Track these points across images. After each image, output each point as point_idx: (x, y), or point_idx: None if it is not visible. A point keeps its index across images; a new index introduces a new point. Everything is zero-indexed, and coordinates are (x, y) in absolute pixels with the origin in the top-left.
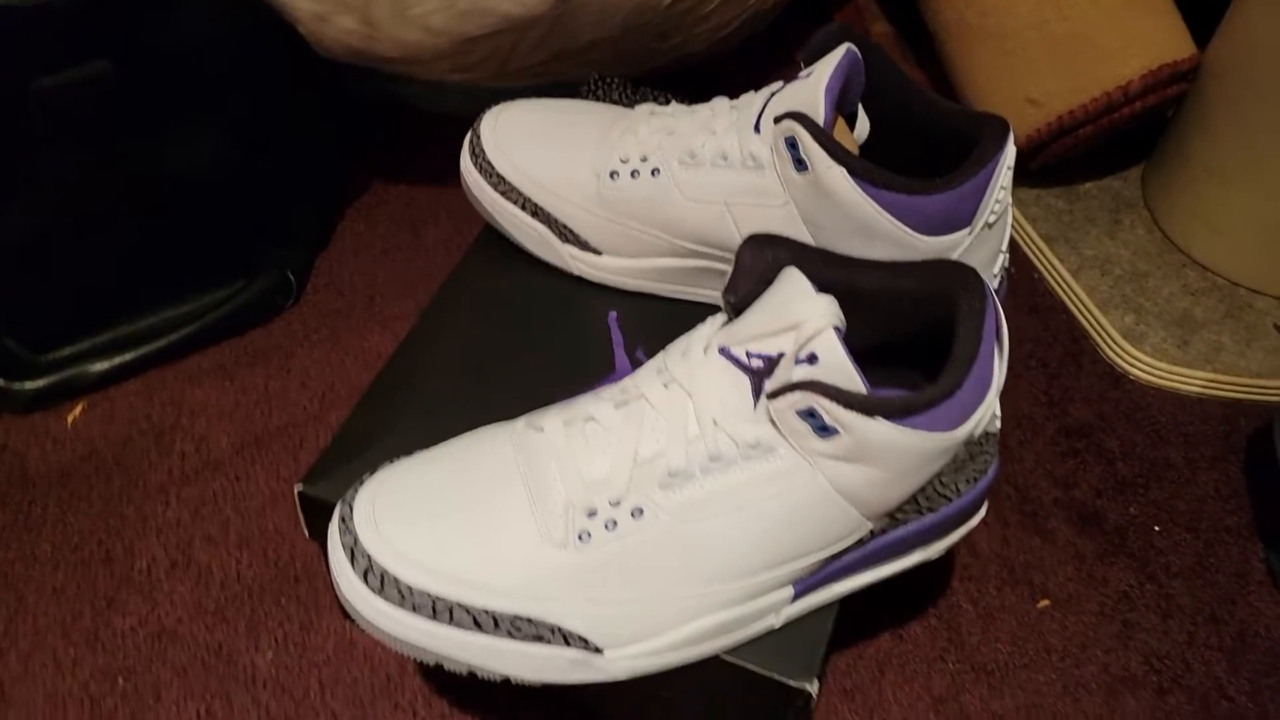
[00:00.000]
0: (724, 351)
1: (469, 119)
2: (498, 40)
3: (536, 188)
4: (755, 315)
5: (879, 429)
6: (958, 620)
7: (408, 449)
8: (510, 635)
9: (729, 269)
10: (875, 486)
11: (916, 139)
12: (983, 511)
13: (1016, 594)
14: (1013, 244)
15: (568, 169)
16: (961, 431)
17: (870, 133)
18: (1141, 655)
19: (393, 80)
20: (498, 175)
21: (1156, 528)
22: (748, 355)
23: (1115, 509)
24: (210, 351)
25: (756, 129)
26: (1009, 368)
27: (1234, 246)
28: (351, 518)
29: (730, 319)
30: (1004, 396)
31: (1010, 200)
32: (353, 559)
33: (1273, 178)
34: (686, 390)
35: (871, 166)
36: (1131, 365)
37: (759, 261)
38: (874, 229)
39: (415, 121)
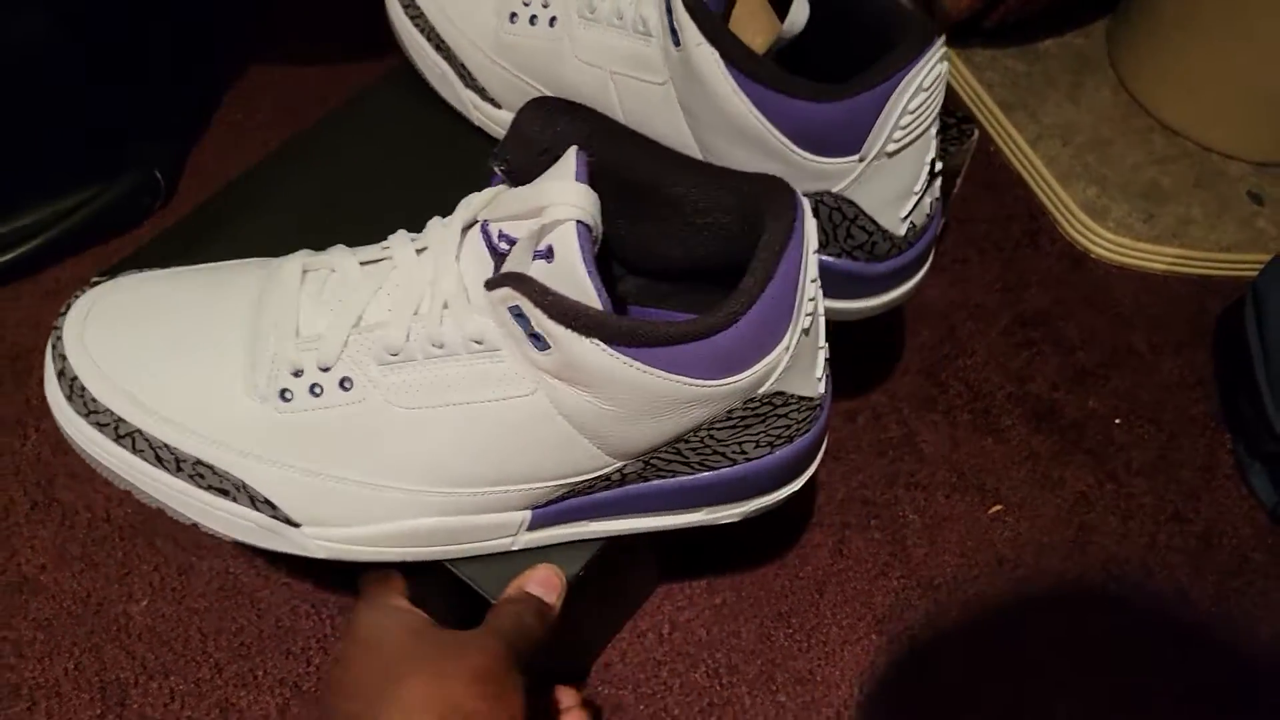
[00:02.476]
0: (483, 228)
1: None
2: None
3: (443, 18)
4: (519, 192)
5: (592, 353)
6: (902, 532)
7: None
8: (193, 480)
9: None
10: (604, 420)
11: (856, 40)
12: (797, 484)
13: (966, 501)
14: (967, 115)
15: (474, 4)
16: (723, 385)
17: (810, 25)
18: (1100, 562)
19: None
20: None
21: (1117, 421)
22: (499, 236)
23: (1073, 403)
24: (70, 264)
25: None
26: (960, 252)
27: (1206, 107)
28: (66, 314)
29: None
30: (955, 284)
31: (934, 132)
32: (53, 356)
33: (1251, 29)
34: (434, 262)
35: (751, 53)
36: (1093, 243)
37: (543, 130)
38: (748, 133)
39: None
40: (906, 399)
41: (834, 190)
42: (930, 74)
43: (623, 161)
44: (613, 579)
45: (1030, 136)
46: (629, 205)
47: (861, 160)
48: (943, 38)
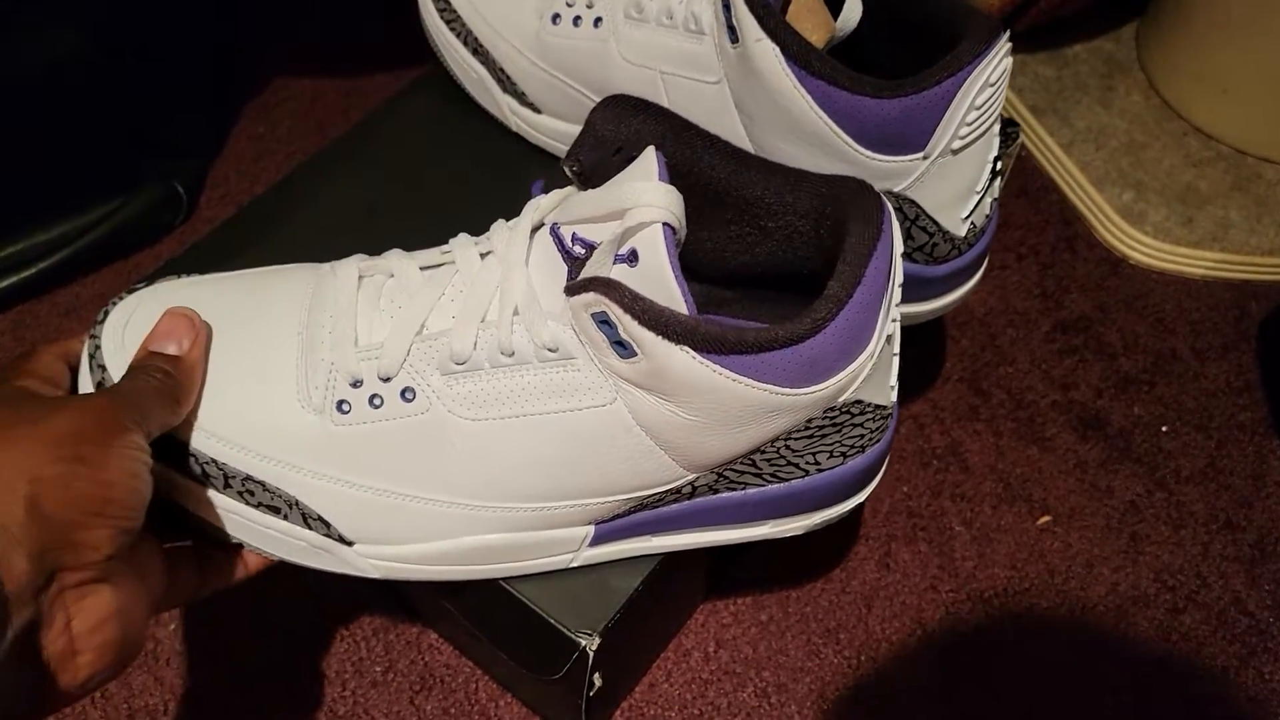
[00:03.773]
0: (554, 231)
1: (378, 5)
2: None
3: (480, 20)
4: (596, 194)
5: (681, 360)
6: (949, 545)
7: None
8: (242, 498)
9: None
10: (685, 430)
11: (912, 38)
12: (862, 495)
13: (1014, 512)
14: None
15: (513, 5)
16: (809, 394)
17: (863, 23)
18: (1152, 571)
19: None
20: (446, 2)
21: (1164, 428)
22: (573, 239)
23: (1118, 410)
24: (90, 280)
25: None
26: (998, 259)
27: (1241, 109)
28: (104, 321)
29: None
30: (995, 291)
31: (998, 129)
32: (91, 365)
33: None
34: (502, 266)
35: (812, 48)
36: (1131, 248)
37: (618, 128)
38: (808, 130)
39: (317, 9)
40: (949, 408)
41: (895, 190)
42: (996, 69)
43: (695, 162)
44: (665, 595)
45: (1063, 141)
46: (699, 207)
47: (925, 158)
48: (1008, 32)
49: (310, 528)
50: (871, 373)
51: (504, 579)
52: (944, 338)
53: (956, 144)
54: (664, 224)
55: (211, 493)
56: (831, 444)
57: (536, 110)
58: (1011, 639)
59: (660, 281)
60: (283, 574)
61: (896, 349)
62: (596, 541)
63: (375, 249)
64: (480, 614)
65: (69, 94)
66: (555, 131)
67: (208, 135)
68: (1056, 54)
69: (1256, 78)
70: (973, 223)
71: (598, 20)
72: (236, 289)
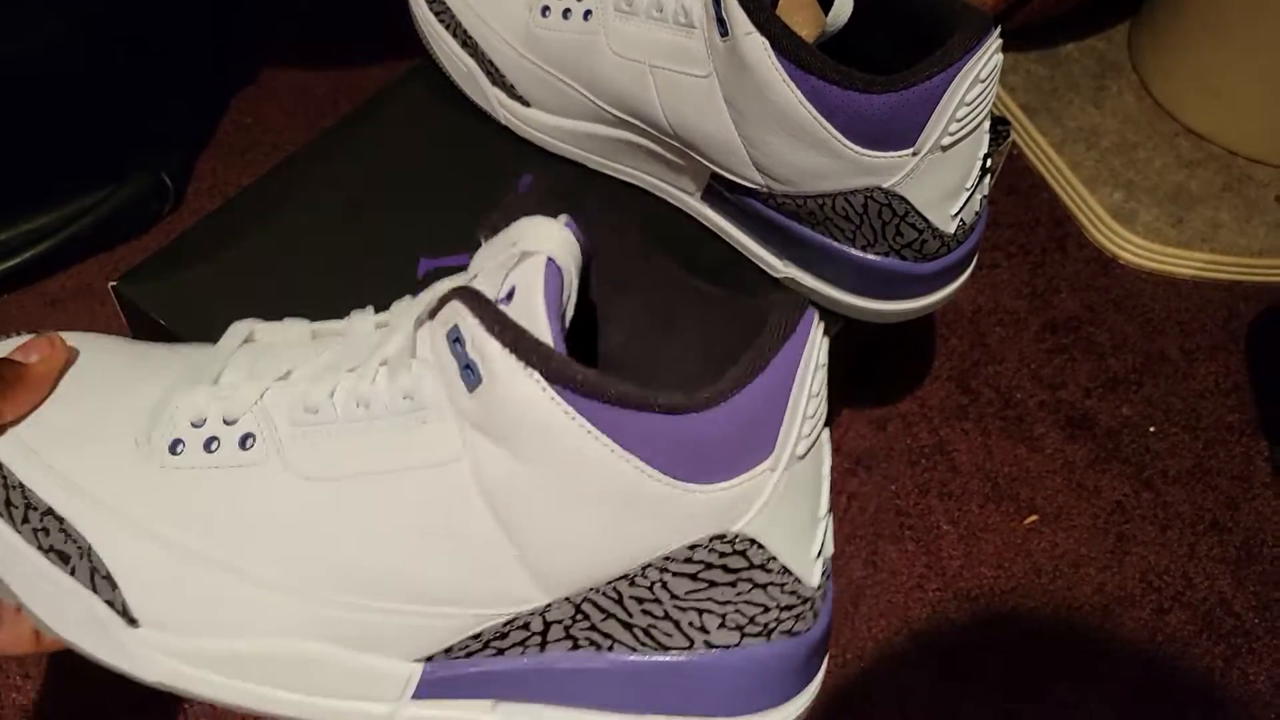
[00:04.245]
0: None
1: None
2: None
3: (469, 12)
4: (494, 241)
5: (529, 390)
6: (937, 544)
7: (243, 269)
8: (36, 535)
9: (654, 147)
10: (527, 499)
11: (903, 34)
12: (801, 701)
13: (1001, 511)
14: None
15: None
16: (688, 491)
17: (854, 18)
18: (1139, 572)
19: None
20: None
21: (1152, 429)
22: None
23: (1107, 410)
24: (75, 270)
25: None
26: (988, 257)
27: (1233, 111)
28: None
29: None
30: (984, 290)
31: (988, 126)
32: None
33: (1277, 33)
34: (390, 332)
35: (802, 42)
36: (1121, 248)
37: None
38: (797, 125)
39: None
40: (937, 407)
41: (884, 186)
42: (987, 65)
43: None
44: None
45: (1055, 140)
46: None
47: (915, 154)
48: (998, 28)
49: (95, 589)
50: (780, 509)
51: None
52: (933, 336)
53: (947, 140)
54: (548, 258)
55: (5, 527)
56: (724, 606)
57: (525, 103)
58: (998, 638)
59: (531, 316)
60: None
61: (823, 515)
62: (424, 691)
63: (361, 242)
64: None
65: (55, 83)
66: (544, 125)
67: (195, 126)
68: (1049, 53)
69: (1248, 79)
70: (962, 220)
71: (587, 13)
72: (130, 351)
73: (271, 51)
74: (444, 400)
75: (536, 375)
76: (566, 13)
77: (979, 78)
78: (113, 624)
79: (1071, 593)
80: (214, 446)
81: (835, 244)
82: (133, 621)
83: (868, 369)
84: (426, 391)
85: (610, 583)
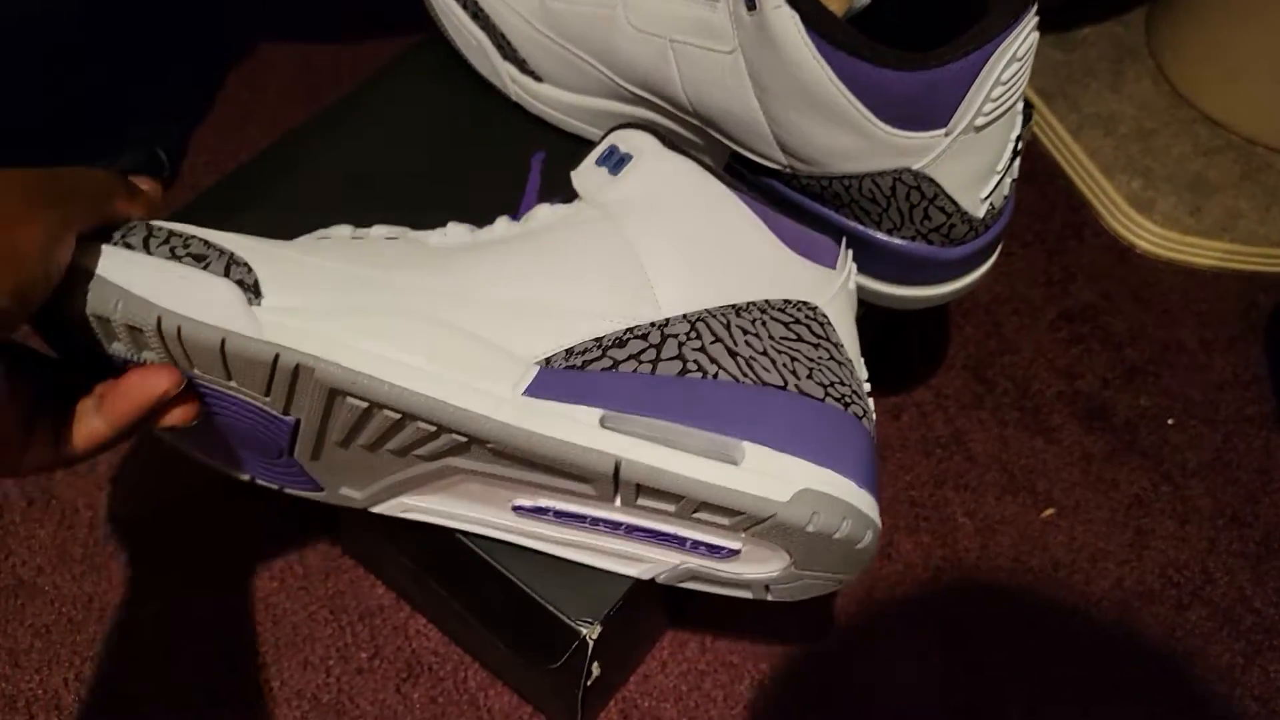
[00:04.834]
0: None
1: None
2: None
3: None
4: None
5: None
6: (953, 535)
7: None
8: (172, 253)
9: (673, 125)
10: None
11: (933, 12)
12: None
13: (1018, 503)
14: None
15: None
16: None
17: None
18: (1158, 566)
19: None
20: None
21: (1170, 420)
22: None
23: (1124, 401)
24: None
25: None
26: (1004, 244)
27: (1252, 97)
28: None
29: None
30: (999, 278)
31: (1021, 107)
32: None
33: None
34: None
35: (833, 17)
36: (1139, 236)
37: None
38: (826, 102)
39: None
40: (953, 396)
41: (914, 168)
42: (1025, 43)
43: None
44: (667, 586)
45: (1071, 126)
46: None
47: (947, 135)
48: (1035, 4)
49: (228, 273)
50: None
51: (487, 534)
52: (948, 324)
53: (980, 120)
54: None
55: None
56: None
57: (538, 79)
58: (1015, 632)
59: None
60: (269, 554)
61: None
62: (537, 389)
63: (366, 220)
64: (473, 597)
65: (42, 53)
66: (556, 101)
67: (192, 100)
68: (1065, 37)
69: (1267, 66)
70: (991, 204)
71: None
72: None
73: (272, 24)
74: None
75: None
76: None
77: (1015, 55)
78: (244, 303)
79: (1090, 587)
80: None
81: (860, 227)
82: (257, 295)
83: (883, 356)
84: None
85: (721, 309)
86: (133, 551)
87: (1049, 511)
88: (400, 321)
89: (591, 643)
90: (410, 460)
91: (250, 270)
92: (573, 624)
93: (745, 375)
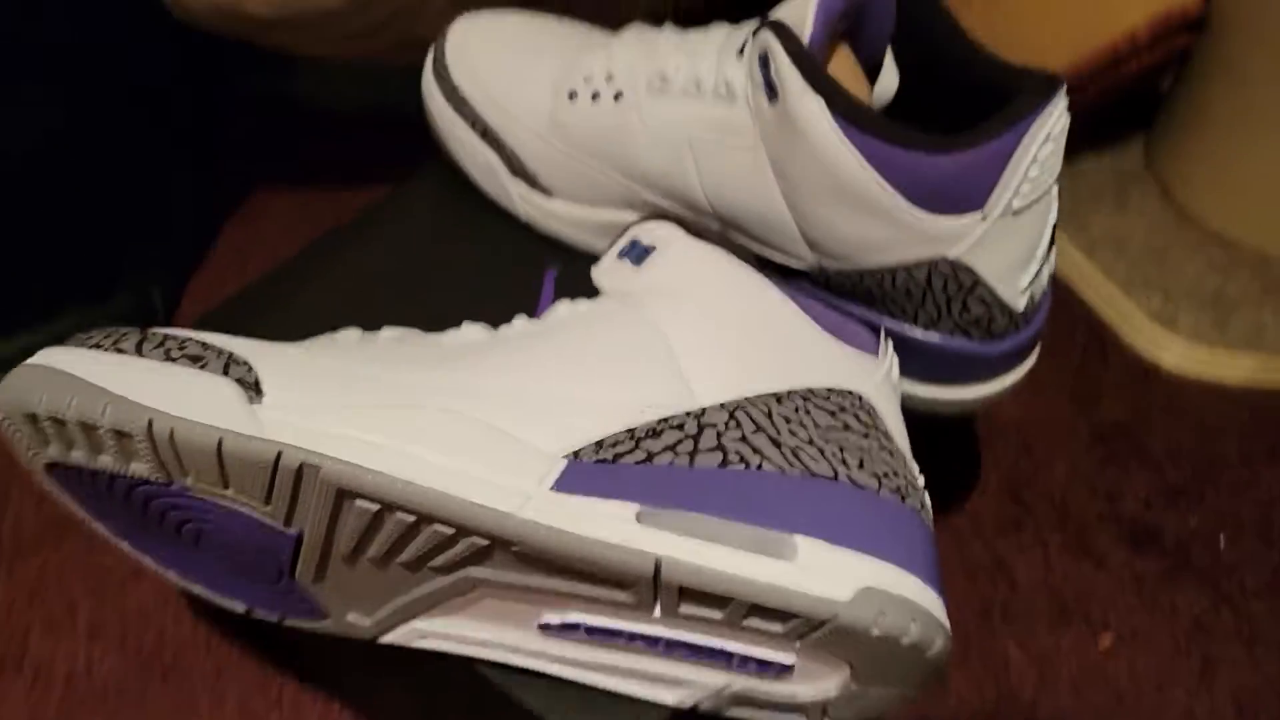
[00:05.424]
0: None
1: (367, 115)
2: None
3: (489, 103)
4: None
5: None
6: (1006, 670)
7: None
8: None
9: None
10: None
11: (955, 103)
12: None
13: (1072, 632)
14: None
15: (527, 85)
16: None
17: (902, 91)
18: (1229, 692)
19: (275, 71)
20: (452, 85)
21: (1222, 539)
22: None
23: (1172, 521)
24: None
25: (741, 52)
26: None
27: (1263, 214)
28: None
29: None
30: (1026, 397)
31: (1056, 190)
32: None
33: None
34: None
35: (860, 105)
36: (1165, 353)
37: None
38: (857, 192)
39: (305, 117)
40: (989, 520)
41: (950, 256)
42: (1058, 123)
43: None
44: None
45: (1083, 247)
46: None
47: (984, 218)
48: (1064, 84)
49: (227, 372)
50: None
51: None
52: (977, 445)
53: (1018, 203)
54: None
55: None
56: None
57: (549, 193)
58: None
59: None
60: (259, 713)
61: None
62: (566, 484)
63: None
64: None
65: (35, 192)
66: (568, 216)
67: (189, 243)
68: (1065, 166)
69: (1276, 184)
70: (1031, 295)
71: (618, 94)
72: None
73: (269, 167)
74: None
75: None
76: (596, 96)
77: (1050, 135)
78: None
79: (1159, 718)
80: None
81: (895, 323)
82: (259, 391)
83: None
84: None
85: (761, 397)
86: (110, 713)
87: (1108, 640)
88: (412, 414)
89: None
90: (425, 574)
91: (250, 369)
92: None
93: (792, 465)
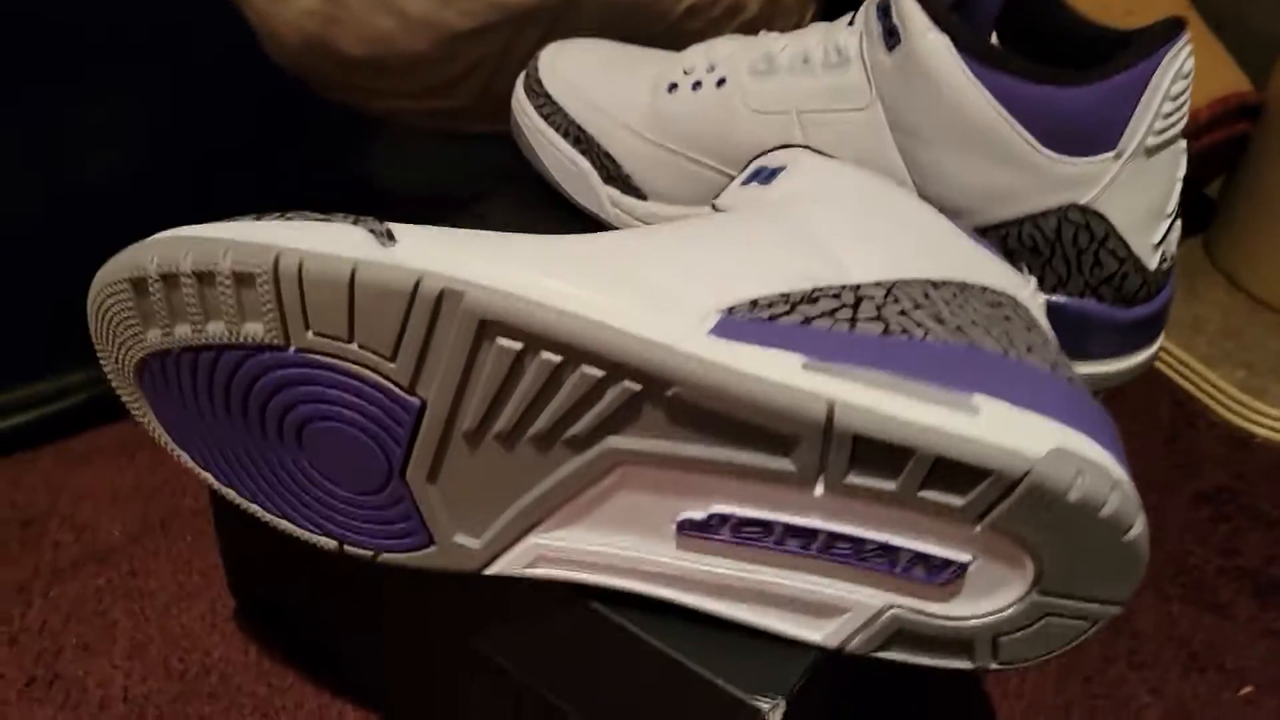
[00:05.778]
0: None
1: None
2: (486, 43)
3: (585, 107)
4: None
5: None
6: (1141, 715)
7: None
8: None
9: None
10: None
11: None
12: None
13: (1206, 681)
14: None
15: (625, 85)
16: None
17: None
18: None
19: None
20: (546, 96)
21: None
22: None
23: None
24: (107, 429)
25: (850, 23)
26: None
27: None
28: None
29: None
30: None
31: (1184, 145)
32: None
33: None
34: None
35: (986, 41)
36: (1258, 424)
37: None
38: (982, 132)
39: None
40: None
41: (1081, 202)
42: (1187, 62)
43: None
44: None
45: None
46: None
47: (1118, 158)
48: (1187, 26)
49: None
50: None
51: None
52: None
53: (1152, 140)
54: None
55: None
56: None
57: (643, 196)
58: None
59: None
60: None
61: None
62: (724, 330)
63: None
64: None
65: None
66: (658, 219)
67: None
68: None
69: None
70: (1164, 254)
71: (721, 81)
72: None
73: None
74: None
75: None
76: (697, 85)
77: (1180, 71)
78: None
79: None
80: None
81: None
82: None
83: None
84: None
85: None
86: None
87: (1248, 689)
88: (562, 260)
89: None
90: (558, 454)
91: (381, 223)
92: (749, 700)
93: (958, 339)
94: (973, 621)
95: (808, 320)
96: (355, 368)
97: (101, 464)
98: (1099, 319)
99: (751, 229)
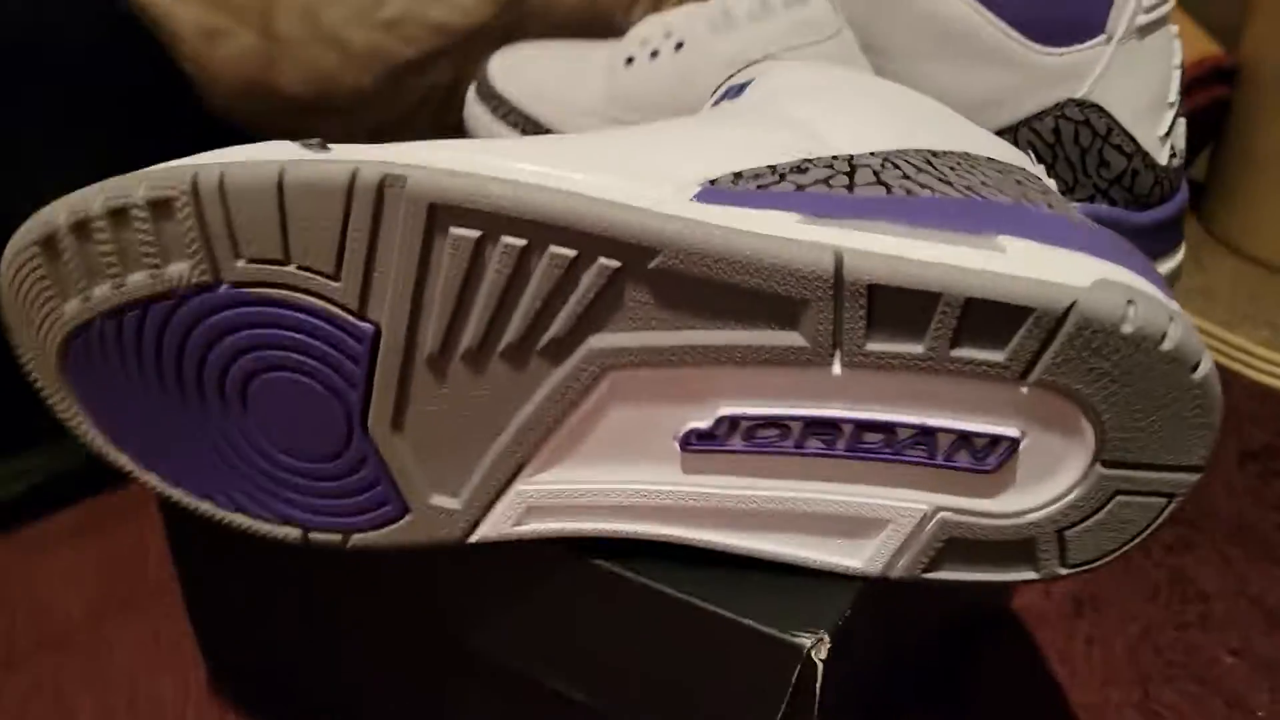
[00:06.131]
0: None
1: None
2: (434, 73)
3: (540, 102)
4: None
5: None
6: (1226, 679)
7: None
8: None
9: None
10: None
11: None
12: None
13: None
14: None
15: (579, 75)
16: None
17: None
18: None
19: None
20: (499, 97)
21: None
22: None
23: None
24: (62, 513)
25: None
26: None
27: None
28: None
29: None
30: None
31: (1176, 31)
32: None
33: None
34: None
35: None
36: None
37: None
38: (961, 34)
39: None
40: (1153, 539)
41: (1077, 96)
42: None
43: None
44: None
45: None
46: None
47: (1109, 40)
48: None
49: None
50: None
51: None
52: None
53: (1143, 19)
54: None
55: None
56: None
57: None
58: None
59: None
60: None
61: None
62: (708, 196)
63: None
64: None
65: None
66: None
67: None
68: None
69: None
70: (1173, 147)
71: (679, 45)
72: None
73: None
74: None
75: None
76: (654, 54)
77: None
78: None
79: None
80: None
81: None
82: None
83: None
84: None
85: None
86: None
87: None
88: (521, 145)
89: (821, 664)
90: (536, 368)
91: (320, 142)
92: (790, 639)
93: (969, 196)
94: (1031, 515)
95: (800, 188)
96: (296, 296)
97: (58, 548)
98: (1112, 224)
99: (728, 121)
